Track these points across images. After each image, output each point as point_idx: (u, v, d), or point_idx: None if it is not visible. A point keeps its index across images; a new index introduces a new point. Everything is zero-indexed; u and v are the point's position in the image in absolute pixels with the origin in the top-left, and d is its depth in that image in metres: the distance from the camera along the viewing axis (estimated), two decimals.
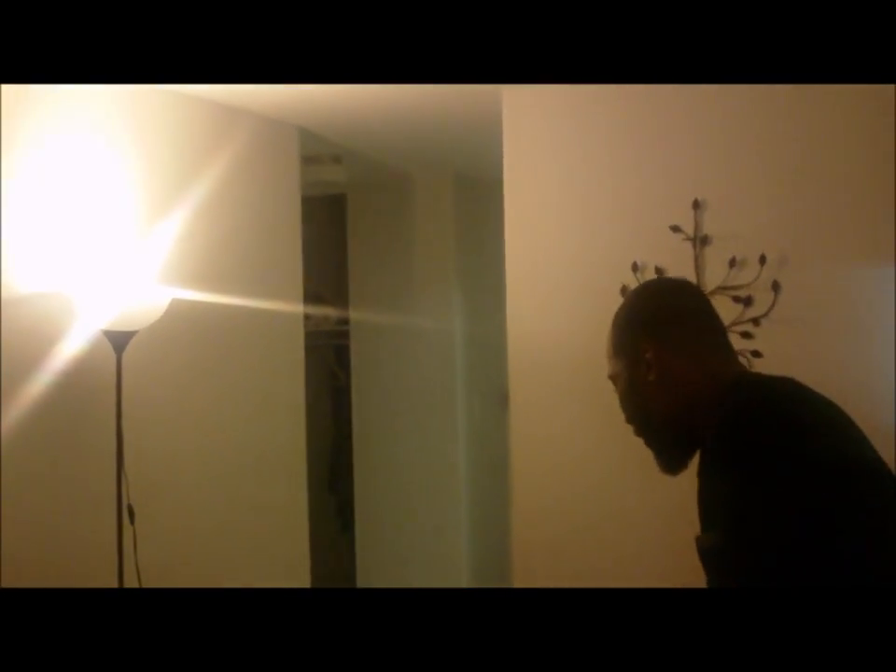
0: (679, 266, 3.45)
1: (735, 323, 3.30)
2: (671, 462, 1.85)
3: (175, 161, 3.77)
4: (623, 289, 3.44)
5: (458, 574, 5.47)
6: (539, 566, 3.79)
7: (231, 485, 3.98)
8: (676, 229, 3.51)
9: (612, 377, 1.92)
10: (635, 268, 3.54)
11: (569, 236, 3.78)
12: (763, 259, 3.37)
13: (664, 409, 1.83)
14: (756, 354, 3.28)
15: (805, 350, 3.28)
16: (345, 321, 5.79)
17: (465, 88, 3.71)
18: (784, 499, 1.57)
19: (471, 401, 5.61)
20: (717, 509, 1.65)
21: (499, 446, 4.92)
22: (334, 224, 5.84)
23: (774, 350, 3.28)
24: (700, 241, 3.50)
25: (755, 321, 3.36)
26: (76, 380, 3.28)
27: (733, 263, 3.41)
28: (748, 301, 3.38)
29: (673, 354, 1.83)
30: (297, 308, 4.41)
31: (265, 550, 4.13)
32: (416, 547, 5.55)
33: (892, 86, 3.10)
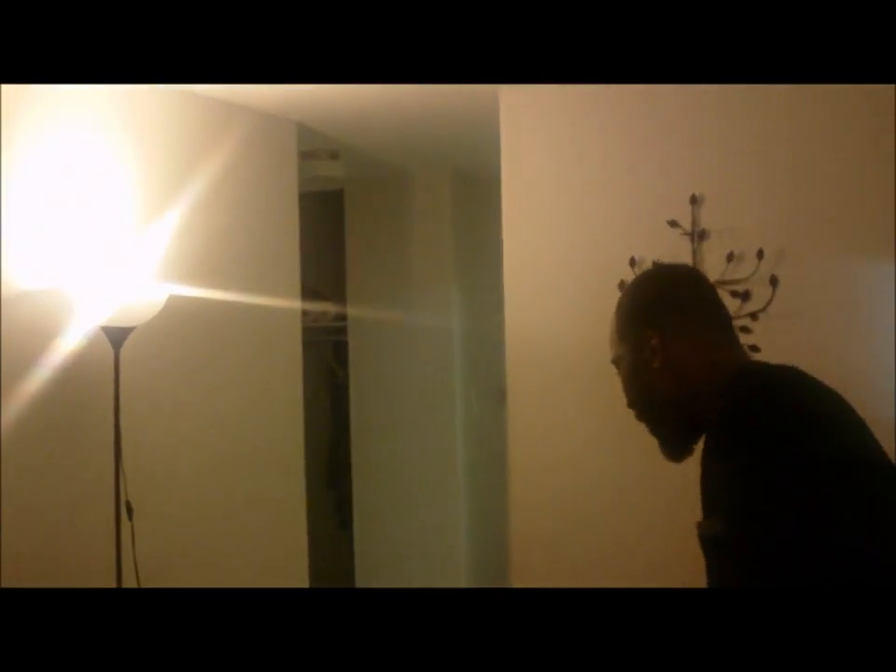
0: (677, 261, 3.44)
1: (732, 317, 3.29)
2: (675, 449, 1.86)
3: (172, 157, 3.77)
4: (621, 284, 3.43)
5: (457, 570, 5.47)
6: (536, 560, 3.80)
7: (230, 482, 3.98)
8: (673, 224, 3.51)
9: (615, 361, 1.92)
10: (632, 263, 3.54)
11: (567, 232, 3.78)
12: (760, 254, 3.38)
13: (667, 395, 1.83)
14: (754, 348, 3.28)
15: (802, 344, 3.28)
16: (343, 317, 5.79)
17: (462, 85, 3.71)
18: (785, 488, 1.57)
19: (469, 397, 5.61)
20: (719, 496, 1.65)
21: (497, 442, 4.92)
22: (332, 220, 5.84)
23: (771, 344, 3.28)
24: (698, 236, 3.50)
25: (753, 316, 3.36)
26: (74, 376, 3.28)
27: (730, 258, 3.41)
28: (745, 296, 3.38)
29: (678, 340, 1.83)
30: (294, 304, 4.41)
31: (263, 546, 4.13)
32: (415, 543, 5.55)
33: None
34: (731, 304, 3.33)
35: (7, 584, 2.97)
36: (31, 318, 3.20)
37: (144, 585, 3.28)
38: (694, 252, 3.47)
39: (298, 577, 4.33)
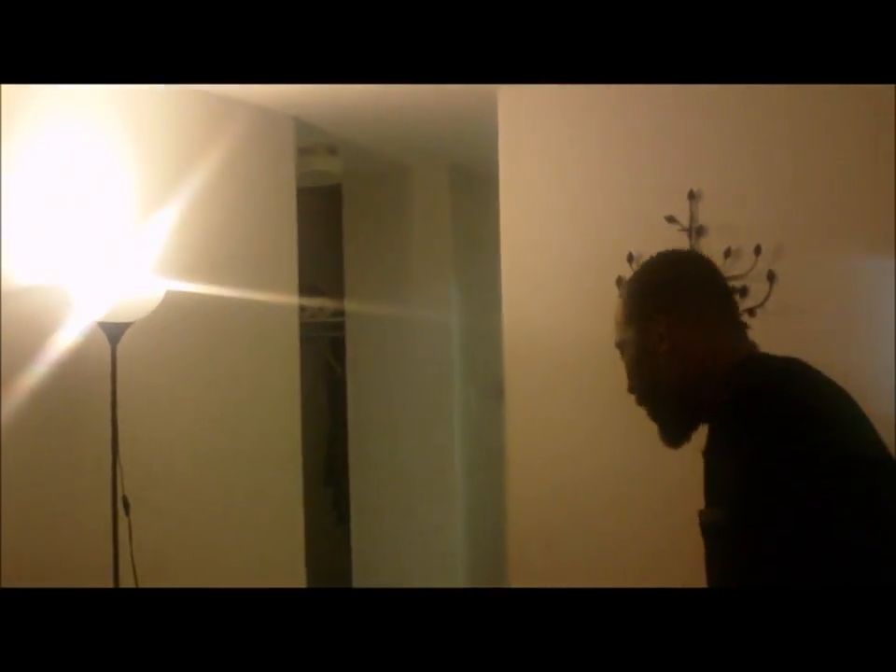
0: None
1: None
2: (674, 435, 1.86)
3: (169, 152, 3.76)
4: (619, 280, 3.44)
5: (454, 565, 5.47)
6: (534, 555, 3.80)
7: (227, 477, 3.97)
8: (671, 219, 3.51)
9: (619, 345, 1.92)
10: (630, 259, 3.54)
11: (565, 227, 3.78)
12: (758, 250, 3.38)
13: (672, 381, 1.83)
14: None
15: (800, 340, 3.26)
16: (341, 313, 5.79)
17: None
18: (786, 481, 1.58)
19: (467, 392, 5.61)
20: (721, 485, 1.65)
21: (495, 437, 4.92)
22: (330, 215, 5.84)
23: (769, 340, 3.25)
24: (695, 232, 3.50)
25: (750, 311, 3.36)
26: (71, 371, 3.28)
27: (728, 254, 3.41)
28: (743, 292, 3.38)
29: (687, 327, 1.83)
30: (292, 299, 4.41)
31: (260, 542, 4.13)
32: (412, 539, 5.55)
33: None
34: None
35: (3, 578, 2.97)
36: (28, 314, 3.19)
37: (141, 580, 3.28)
38: (692, 248, 3.47)
39: (295, 572, 4.33)
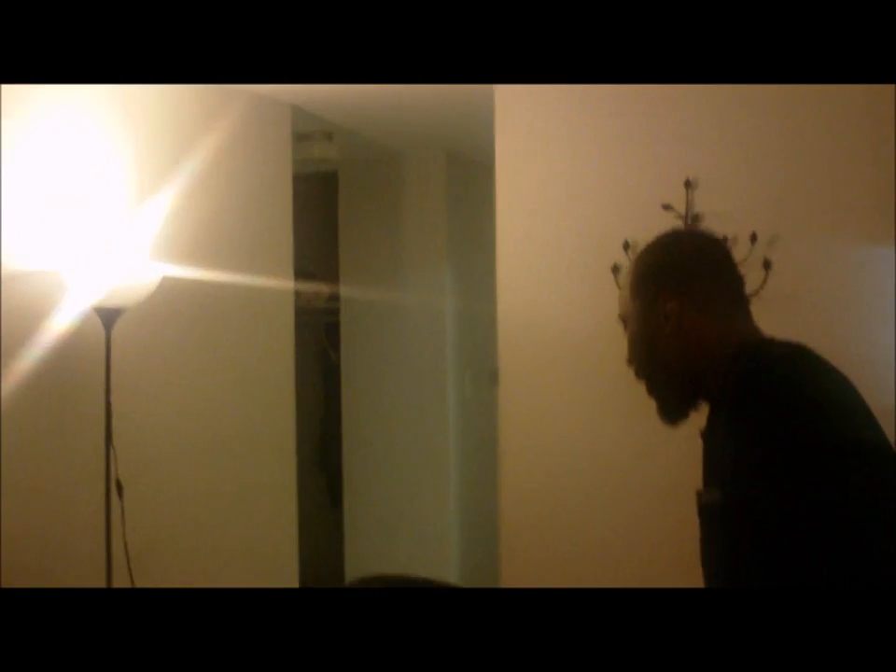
0: None
1: None
2: (672, 412, 1.85)
3: (166, 139, 3.76)
4: (615, 268, 3.44)
5: (447, 550, 5.49)
6: (526, 543, 3.81)
7: (220, 461, 3.98)
8: (667, 207, 3.51)
9: (623, 317, 1.91)
10: (626, 246, 3.54)
11: (560, 214, 3.78)
12: (754, 237, 3.38)
13: (676, 360, 1.82)
14: None
15: (796, 328, 3.26)
16: (336, 298, 5.79)
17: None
18: (785, 466, 1.58)
19: (461, 378, 5.63)
20: (721, 466, 1.66)
21: (489, 423, 4.93)
22: (326, 201, 5.84)
23: (765, 328, 3.27)
24: (692, 219, 3.50)
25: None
26: (65, 356, 3.28)
27: (724, 241, 3.41)
28: None
29: (695, 309, 1.82)
30: (287, 285, 4.41)
31: (254, 525, 4.14)
32: (405, 523, 5.57)
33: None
34: None
35: None
36: (23, 299, 3.19)
37: (133, 564, 3.29)
38: None
39: (288, 556, 4.35)
